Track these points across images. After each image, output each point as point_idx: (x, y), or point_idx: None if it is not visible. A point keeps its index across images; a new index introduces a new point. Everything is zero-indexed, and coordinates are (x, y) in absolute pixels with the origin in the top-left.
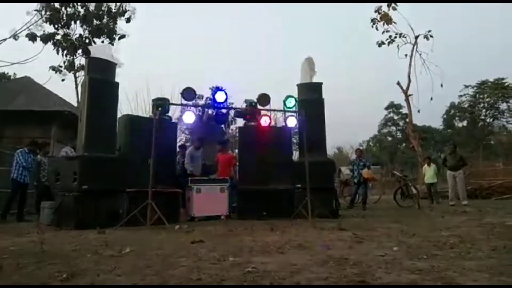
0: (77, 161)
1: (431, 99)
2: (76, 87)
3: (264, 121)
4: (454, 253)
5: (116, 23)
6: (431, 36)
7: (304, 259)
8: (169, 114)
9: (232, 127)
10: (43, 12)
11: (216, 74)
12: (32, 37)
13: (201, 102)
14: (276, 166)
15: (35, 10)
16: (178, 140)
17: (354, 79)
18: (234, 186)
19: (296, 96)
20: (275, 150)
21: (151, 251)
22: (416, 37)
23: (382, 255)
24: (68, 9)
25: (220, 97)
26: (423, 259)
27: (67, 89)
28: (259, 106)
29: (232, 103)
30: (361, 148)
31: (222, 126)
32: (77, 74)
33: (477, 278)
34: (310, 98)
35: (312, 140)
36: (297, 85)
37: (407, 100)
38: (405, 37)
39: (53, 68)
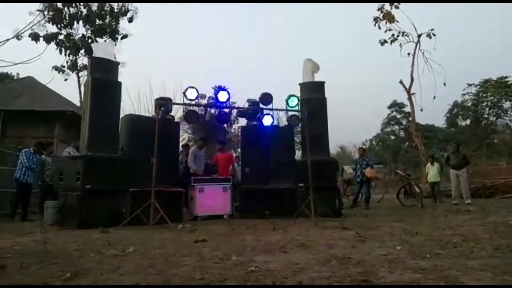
0: (80, 161)
1: (434, 98)
2: (79, 87)
3: (267, 121)
4: (457, 252)
5: (118, 23)
6: (434, 35)
7: (307, 258)
8: (172, 113)
9: (235, 126)
10: (45, 12)
11: (219, 73)
12: (35, 37)
13: (204, 101)
14: (279, 165)
15: (37, 10)
16: (180, 139)
17: (357, 79)
18: (235, 185)
19: (299, 95)
20: (277, 149)
21: (154, 251)
22: (419, 36)
23: (385, 254)
24: (71, 9)
25: (222, 96)
26: (426, 258)
27: (70, 89)
28: (261, 105)
29: (235, 103)
30: (364, 147)
31: (225, 125)
32: (80, 74)
33: (480, 277)
34: (313, 97)
35: (315, 139)
36: (300, 84)
37: (410, 99)
38: (408, 36)
39: (56, 68)
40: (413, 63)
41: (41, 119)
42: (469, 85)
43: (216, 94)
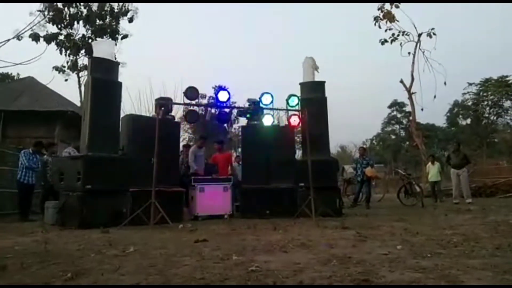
0: (81, 161)
1: (435, 97)
2: (79, 87)
3: (267, 120)
4: (458, 251)
5: (118, 23)
6: (434, 34)
7: (307, 258)
8: (172, 113)
9: (235, 126)
10: (46, 13)
11: (219, 73)
12: (35, 37)
13: (204, 101)
14: (279, 165)
15: (38, 11)
16: (181, 139)
17: (357, 78)
18: (236, 185)
19: (299, 95)
20: (278, 149)
21: (154, 250)
22: (419, 35)
23: (386, 253)
24: (71, 9)
25: (223, 96)
26: (427, 257)
27: (70, 89)
28: (262, 105)
29: (235, 102)
30: (364, 146)
31: (225, 125)
32: (80, 74)
33: (481, 276)
34: (313, 97)
35: (315, 138)
36: (300, 83)
37: (410, 98)
38: (408, 35)
39: (56, 68)
40: (413, 62)
41: (42, 119)
42: (470, 84)
43: (216, 94)
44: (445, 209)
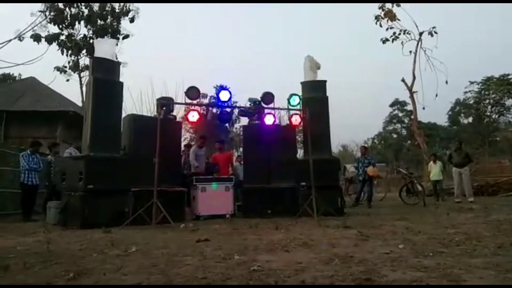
0: (83, 161)
1: (436, 95)
2: (81, 87)
3: (268, 120)
4: (460, 250)
5: (120, 23)
6: (436, 33)
7: (309, 257)
8: (174, 113)
9: (236, 125)
10: (47, 13)
11: (220, 73)
12: (36, 37)
13: (205, 101)
14: (281, 165)
15: (39, 11)
16: (182, 139)
17: (358, 78)
18: (237, 185)
19: (300, 94)
20: (279, 148)
21: (156, 250)
22: (421, 34)
23: (388, 252)
24: (72, 10)
25: (224, 95)
26: (429, 256)
27: (72, 89)
28: (263, 105)
29: (236, 102)
30: (366, 145)
31: (226, 124)
32: (82, 74)
33: (483, 275)
34: (314, 96)
35: (317, 138)
36: (301, 83)
37: (411, 97)
38: (409, 34)
39: (58, 69)
40: (414, 61)
41: (43, 120)
42: (471, 83)
43: (217, 93)
44: (447, 208)
